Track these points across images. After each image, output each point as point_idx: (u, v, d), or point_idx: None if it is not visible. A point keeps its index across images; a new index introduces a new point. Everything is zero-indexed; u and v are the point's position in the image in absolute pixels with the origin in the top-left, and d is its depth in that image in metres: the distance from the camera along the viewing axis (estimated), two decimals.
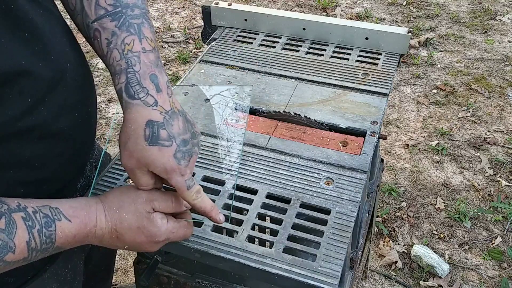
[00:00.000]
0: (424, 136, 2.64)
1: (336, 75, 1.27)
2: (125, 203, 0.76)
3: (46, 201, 0.72)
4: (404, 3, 3.88)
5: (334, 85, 1.24)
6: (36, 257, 0.71)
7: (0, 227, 0.66)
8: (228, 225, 0.90)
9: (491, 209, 2.22)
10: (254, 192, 0.95)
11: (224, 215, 0.83)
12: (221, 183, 0.97)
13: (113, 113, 2.87)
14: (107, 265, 1.38)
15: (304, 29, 1.39)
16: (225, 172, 0.99)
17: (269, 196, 0.95)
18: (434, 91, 2.96)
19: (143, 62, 0.75)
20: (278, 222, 0.90)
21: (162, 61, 3.30)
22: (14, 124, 0.70)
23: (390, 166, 2.47)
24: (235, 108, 1.15)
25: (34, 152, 0.76)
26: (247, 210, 0.92)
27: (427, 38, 3.39)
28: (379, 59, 1.32)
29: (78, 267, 0.99)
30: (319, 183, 0.97)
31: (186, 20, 3.77)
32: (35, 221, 0.69)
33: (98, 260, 1.23)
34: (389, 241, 2.10)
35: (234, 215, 0.91)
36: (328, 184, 0.97)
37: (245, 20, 1.44)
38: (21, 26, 0.70)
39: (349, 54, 1.35)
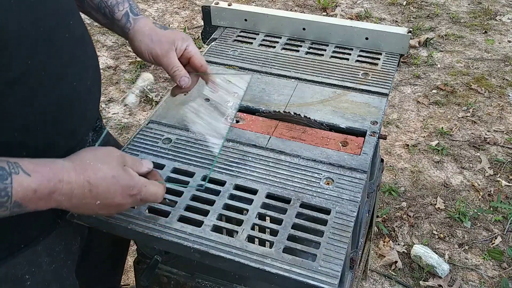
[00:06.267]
0: (424, 136, 2.64)
1: (336, 75, 1.27)
2: (98, 156, 0.79)
3: (5, 158, 0.72)
4: (404, 3, 3.88)
5: (334, 85, 1.24)
6: None
7: None
8: (228, 225, 0.90)
9: (491, 209, 2.22)
10: (254, 192, 0.95)
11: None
12: (221, 183, 0.97)
13: (114, 113, 2.87)
14: (115, 258, 1.39)
15: (304, 29, 1.39)
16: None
17: (269, 196, 0.95)
18: (434, 91, 2.96)
19: None
20: (278, 222, 0.90)
21: None
22: (12, 86, 0.75)
23: (390, 166, 2.47)
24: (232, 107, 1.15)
25: (36, 116, 0.80)
26: (247, 210, 0.92)
27: (427, 38, 3.39)
28: (379, 59, 1.32)
29: (72, 247, 1.01)
30: (319, 183, 0.97)
31: (186, 20, 3.77)
32: None
33: (103, 249, 1.24)
34: (389, 241, 2.10)
35: (234, 215, 0.91)
36: (328, 184, 0.97)
37: (245, 20, 1.44)
38: None
39: (349, 54, 1.35)
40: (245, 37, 1.43)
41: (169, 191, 0.96)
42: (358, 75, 1.27)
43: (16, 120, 0.78)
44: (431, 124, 2.71)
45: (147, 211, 0.93)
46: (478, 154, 2.52)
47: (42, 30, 0.78)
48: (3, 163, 0.70)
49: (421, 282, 1.95)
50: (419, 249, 2.02)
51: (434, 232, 2.15)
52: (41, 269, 0.93)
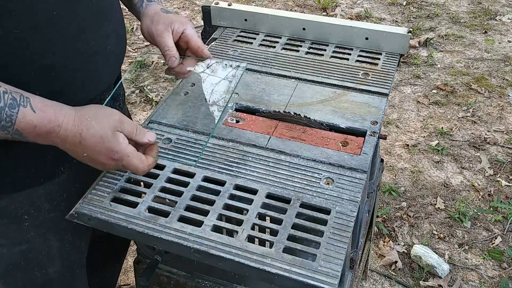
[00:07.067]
0: (424, 136, 2.64)
1: (336, 75, 1.27)
2: (99, 115, 0.86)
3: (21, 91, 0.79)
4: (404, 3, 3.88)
5: (334, 85, 1.24)
6: None
7: None
8: (228, 225, 0.90)
9: (491, 209, 2.22)
10: (254, 192, 0.95)
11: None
12: (221, 183, 0.97)
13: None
14: (114, 257, 1.39)
15: (304, 29, 1.39)
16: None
17: (269, 196, 0.95)
18: (434, 91, 2.97)
19: None
20: (278, 222, 0.90)
21: (162, 61, 3.30)
22: (38, 31, 0.83)
23: (390, 166, 2.47)
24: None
25: (54, 63, 0.87)
26: (247, 210, 0.92)
27: (427, 38, 3.39)
28: (379, 59, 1.32)
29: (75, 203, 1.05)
30: (319, 183, 0.97)
31: None
32: (1, 98, 0.76)
33: (102, 248, 1.26)
34: (389, 241, 2.10)
35: (234, 215, 0.91)
36: (328, 184, 0.97)
37: (245, 20, 1.44)
38: None
39: (349, 54, 1.35)
40: (245, 37, 1.43)
41: (169, 191, 0.96)
42: (358, 75, 1.27)
43: (37, 63, 0.85)
44: (431, 124, 2.71)
45: (147, 211, 0.93)
46: (478, 154, 2.52)
47: None
48: (17, 95, 0.78)
49: (421, 282, 1.95)
50: (419, 249, 2.02)
51: (434, 232, 2.15)
52: (40, 213, 0.98)
